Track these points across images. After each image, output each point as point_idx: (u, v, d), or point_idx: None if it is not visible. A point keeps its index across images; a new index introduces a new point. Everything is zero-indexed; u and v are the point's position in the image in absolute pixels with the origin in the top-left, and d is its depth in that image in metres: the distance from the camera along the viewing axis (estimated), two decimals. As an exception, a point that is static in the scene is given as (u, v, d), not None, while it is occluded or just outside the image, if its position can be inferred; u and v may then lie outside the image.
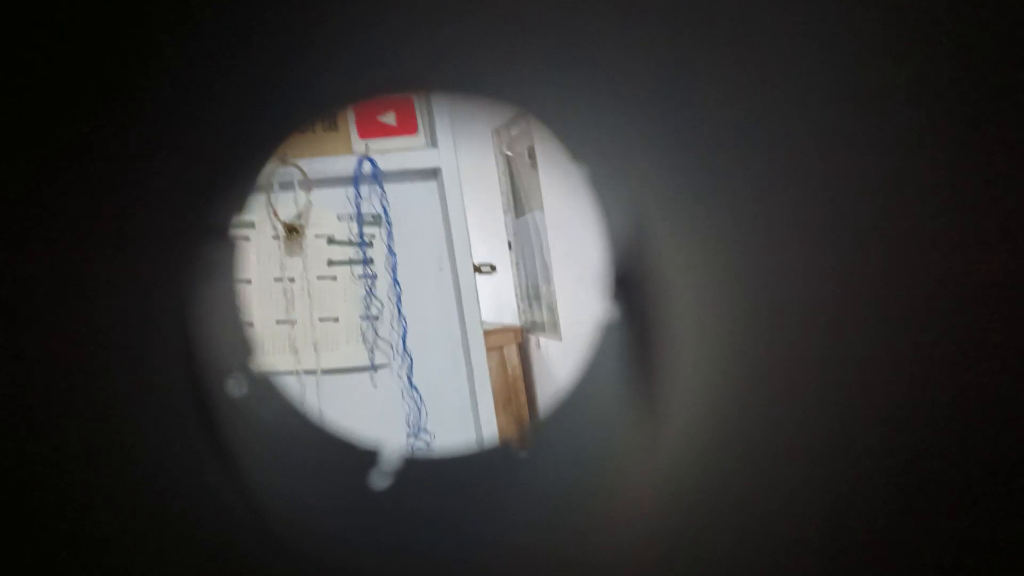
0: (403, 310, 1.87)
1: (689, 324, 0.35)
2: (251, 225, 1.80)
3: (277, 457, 0.44)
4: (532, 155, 3.31)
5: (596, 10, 0.27)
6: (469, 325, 1.92)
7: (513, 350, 3.53)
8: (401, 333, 1.86)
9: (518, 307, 3.73)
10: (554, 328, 3.39)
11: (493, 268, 3.72)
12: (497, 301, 3.95)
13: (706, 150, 0.29)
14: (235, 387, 0.41)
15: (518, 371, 3.50)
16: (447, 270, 1.95)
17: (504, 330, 3.59)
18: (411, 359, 1.87)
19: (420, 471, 0.45)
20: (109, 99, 0.25)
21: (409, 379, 1.87)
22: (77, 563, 0.28)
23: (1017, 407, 0.19)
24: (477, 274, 3.04)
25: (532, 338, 3.60)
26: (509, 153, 3.66)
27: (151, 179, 0.29)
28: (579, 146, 0.40)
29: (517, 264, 3.72)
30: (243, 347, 0.46)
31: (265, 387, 0.46)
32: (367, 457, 0.45)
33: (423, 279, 1.92)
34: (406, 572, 0.38)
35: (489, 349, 3.43)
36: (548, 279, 3.44)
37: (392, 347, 1.87)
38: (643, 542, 0.34)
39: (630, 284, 0.42)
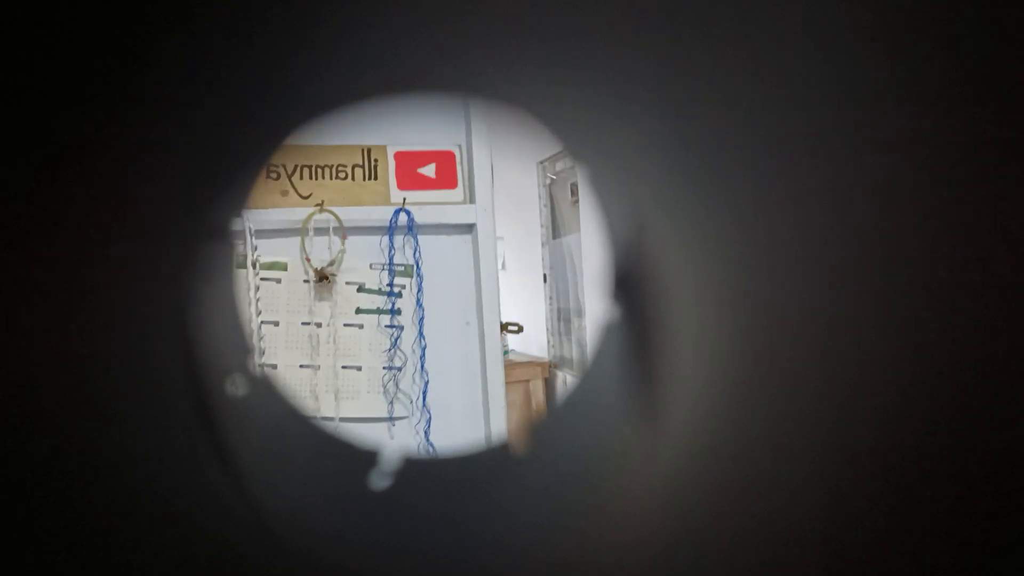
0: (426, 364, 1.87)
1: (689, 324, 0.35)
2: (283, 267, 1.82)
3: (277, 457, 0.44)
4: (575, 192, 3.29)
5: (596, 10, 0.27)
6: (491, 385, 1.91)
7: (539, 384, 3.52)
8: (422, 387, 1.86)
9: (548, 341, 3.71)
10: (583, 367, 3.37)
11: (520, 328, 3.71)
12: (527, 331, 3.95)
13: (706, 150, 0.29)
14: (235, 387, 0.41)
15: (543, 407, 3.49)
16: (474, 326, 1.94)
17: (532, 363, 3.58)
18: (430, 414, 1.86)
19: (420, 471, 0.45)
20: (109, 99, 0.25)
21: (426, 434, 1.86)
22: (77, 563, 0.28)
23: (1017, 406, 0.19)
24: (504, 332, 3.02)
25: (560, 374, 3.58)
26: (552, 177, 3.64)
27: (151, 179, 0.29)
28: (579, 146, 0.40)
29: (550, 296, 3.70)
30: (243, 347, 0.46)
31: (265, 387, 0.46)
32: (367, 457, 0.45)
33: (449, 334, 1.91)
34: (406, 572, 0.38)
35: (515, 381, 3.43)
36: (580, 313, 3.41)
37: (412, 401, 1.86)
38: (643, 542, 0.34)
39: (630, 284, 0.41)
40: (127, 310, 0.30)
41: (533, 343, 3.81)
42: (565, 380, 3.46)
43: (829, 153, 0.23)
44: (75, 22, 0.23)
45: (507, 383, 3.58)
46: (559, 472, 0.44)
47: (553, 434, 0.47)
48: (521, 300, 4.06)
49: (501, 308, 4.61)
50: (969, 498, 0.20)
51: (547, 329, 3.67)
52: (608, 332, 0.46)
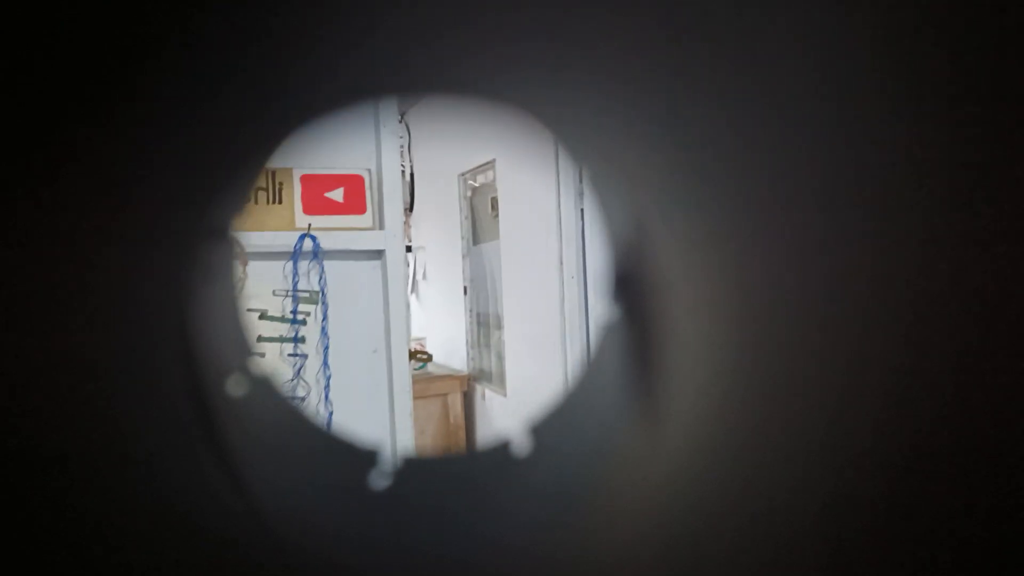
0: (331, 394, 1.82)
1: (689, 324, 0.35)
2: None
3: (277, 457, 0.44)
4: (495, 206, 3.27)
5: (596, 11, 0.27)
6: (398, 416, 1.88)
7: (458, 398, 3.49)
8: (326, 419, 1.81)
9: (467, 352, 3.69)
10: (500, 381, 3.35)
11: (430, 357, 3.67)
12: (448, 344, 3.91)
13: (705, 151, 0.29)
14: (235, 387, 0.41)
15: (460, 420, 3.47)
16: (381, 353, 1.90)
17: (449, 377, 3.55)
18: (333, 446, 1.82)
19: (420, 471, 0.45)
20: (108, 99, 0.25)
21: (329, 466, 1.82)
22: (77, 562, 0.28)
23: (1017, 406, 0.19)
24: (412, 360, 2.96)
25: (478, 388, 3.56)
26: (473, 186, 3.61)
27: (151, 179, 0.29)
28: (579, 146, 0.40)
29: (470, 308, 3.67)
30: (243, 347, 0.46)
31: (265, 387, 0.46)
32: (366, 457, 0.45)
33: (355, 363, 1.87)
34: (406, 572, 0.38)
35: (432, 395, 3.40)
36: (500, 324, 3.39)
37: (315, 432, 1.81)
38: (643, 541, 0.34)
39: (630, 284, 0.41)
40: (127, 310, 0.29)
41: (454, 356, 3.78)
42: (484, 394, 3.44)
43: (828, 153, 0.23)
44: (75, 21, 0.23)
45: (424, 397, 3.55)
46: (559, 472, 0.44)
47: (553, 434, 0.46)
48: (441, 311, 4.02)
49: (421, 319, 4.55)
50: (969, 498, 0.20)
51: (466, 341, 3.64)
52: (608, 332, 0.46)
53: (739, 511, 0.29)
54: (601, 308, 0.45)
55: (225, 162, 0.33)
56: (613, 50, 0.28)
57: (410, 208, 4.17)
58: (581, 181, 2.58)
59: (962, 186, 0.20)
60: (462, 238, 3.71)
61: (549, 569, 0.37)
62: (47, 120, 0.24)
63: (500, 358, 3.35)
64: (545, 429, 0.46)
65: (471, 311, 3.68)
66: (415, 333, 4.58)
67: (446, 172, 3.74)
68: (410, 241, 4.40)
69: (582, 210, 2.62)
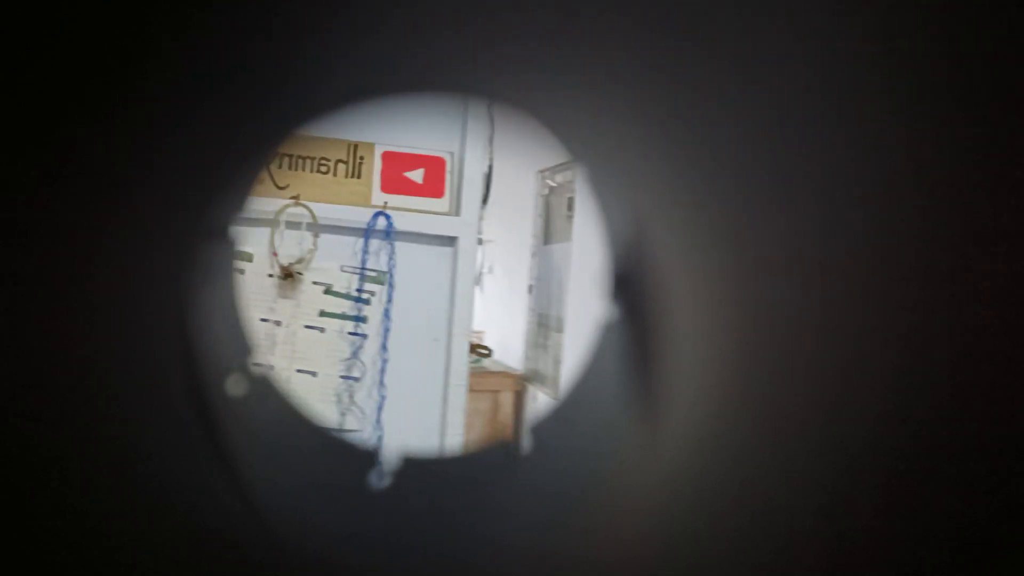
0: (386, 379, 1.78)
1: (688, 323, 0.35)
2: (249, 258, 1.71)
3: (277, 456, 0.44)
4: (571, 206, 3.20)
5: (597, 13, 0.27)
6: (451, 410, 1.81)
7: (509, 397, 3.43)
8: (378, 402, 1.77)
9: (525, 352, 3.63)
10: (554, 385, 3.28)
11: (489, 352, 3.61)
12: (506, 341, 3.86)
13: (705, 151, 0.29)
14: (235, 387, 0.41)
15: (509, 420, 3.40)
16: (442, 343, 1.85)
17: (504, 374, 3.49)
18: (382, 431, 1.77)
19: (420, 471, 0.45)
20: (109, 100, 0.25)
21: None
22: (78, 562, 0.28)
23: (1016, 406, 0.19)
24: (471, 354, 2.91)
25: (531, 389, 3.49)
26: (551, 185, 3.55)
27: (151, 179, 0.29)
28: (579, 146, 0.40)
29: (533, 308, 3.61)
30: (243, 347, 0.46)
31: (265, 387, 0.47)
32: (366, 457, 0.45)
33: (414, 350, 1.81)
34: (405, 571, 0.38)
35: (484, 391, 3.34)
36: (560, 327, 3.33)
37: (365, 415, 1.77)
38: (643, 540, 0.34)
39: (630, 284, 0.42)
40: (127, 310, 0.30)
41: (511, 353, 3.72)
42: (536, 396, 3.38)
43: (828, 154, 0.23)
44: (75, 23, 0.23)
45: (476, 391, 3.50)
46: (559, 471, 0.44)
47: (553, 433, 0.46)
48: (503, 307, 3.97)
49: (483, 313, 4.53)
50: (969, 498, 0.20)
51: (525, 341, 3.58)
52: (608, 332, 0.46)
53: (739, 510, 0.29)
54: (601, 308, 0.45)
55: (225, 163, 0.33)
56: (613, 51, 0.28)
57: (484, 200, 4.14)
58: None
59: (962, 186, 0.20)
60: (533, 236, 3.65)
61: (549, 568, 0.37)
62: (47, 121, 0.24)
63: (556, 362, 3.29)
64: (545, 429, 0.46)
65: (533, 311, 3.62)
66: (475, 326, 4.56)
67: (524, 167, 3.67)
68: (481, 234, 4.37)
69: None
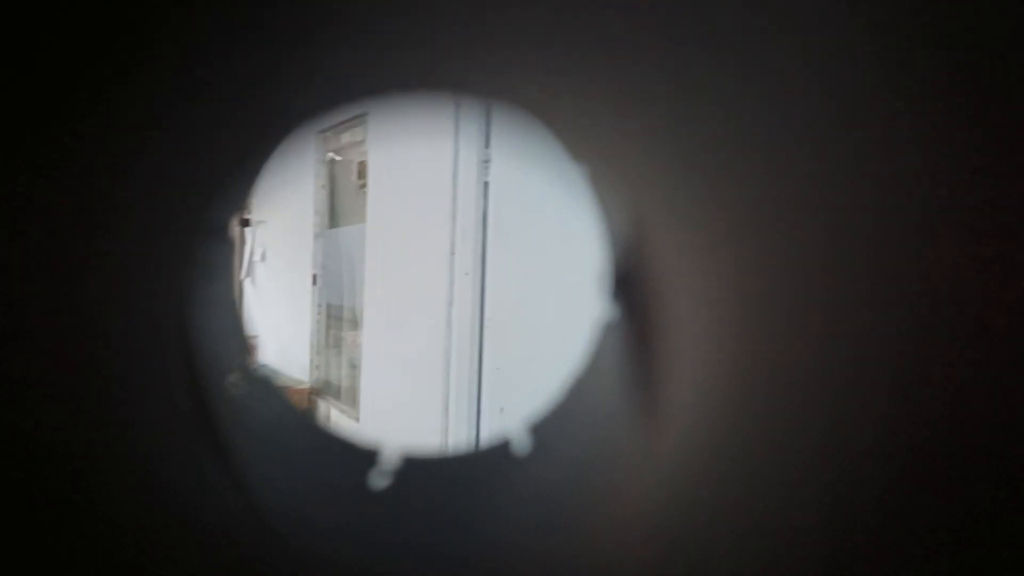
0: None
1: (688, 323, 0.35)
2: None
3: (277, 456, 0.44)
4: (362, 173, 2.54)
5: (598, 13, 0.27)
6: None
7: (294, 418, 2.73)
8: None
9: (311, 359, 2.93)
10: (352, 399, 2.62)
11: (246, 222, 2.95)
12: (287, 345, 3.12)
13: (706, 151, 0.29)
14: (235, 387, 0.41)
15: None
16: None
17: (286, 391, 2.77)
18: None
19: (420, 471, 0.45)
20: (110, 100, 0.25)
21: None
22: (78, 561, 0.28)
23: (1016, 406, 0.19)
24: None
25: (323, 404, 2.81)
26: (335, 158, 2.86)
27: (151, 179, 0.29)
28: (579, 146, 0.40)
29: (319, 303, 2.92)
30: (242, 347, 0.46)
31: (265, 387, 0.47)
32: (367, 457, 0.45)
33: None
34: (405, 570, 0.38)
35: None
36: (356, 321, 2.65)
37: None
38: (642, 539, 0.34)
39: (630, 284, 0.42)
40: (127, 310, 0.30)
41: (294, 362, 3.00)
42: (329, 414, 2.70)
43: (828, 155, 0.24)
44: (76, 22, 0.23)
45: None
46: (558, 471, 0.43)
47: (552, 433, 0.46)
48: (283, 304, 3.22)
49: (258, 313, 3.61)
50: (969, 497, 0.20)
51: (311, 345, 2.88)
52: (608, 332, 0.46)
53: (738, 510, 0.29)
54: (600, 307, 0.45)
55: (224, 162, 0.33)
56: (614, 51, 0.28)
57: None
58: (488, 145, 1.92)
59: (961, 188, 0.20)
60: (316, 213, 2.95)
61: (549, 568, 0.37)
62: (47, 121, 0.24)
63: (353, 366, 2.62)
64: (545, 428, 0.46)
65: (319, 307, 2.93)
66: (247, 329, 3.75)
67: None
68: (248, 213, 3.57)
69: (486, 184, 1.95)
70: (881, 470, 0.23)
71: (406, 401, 2.11)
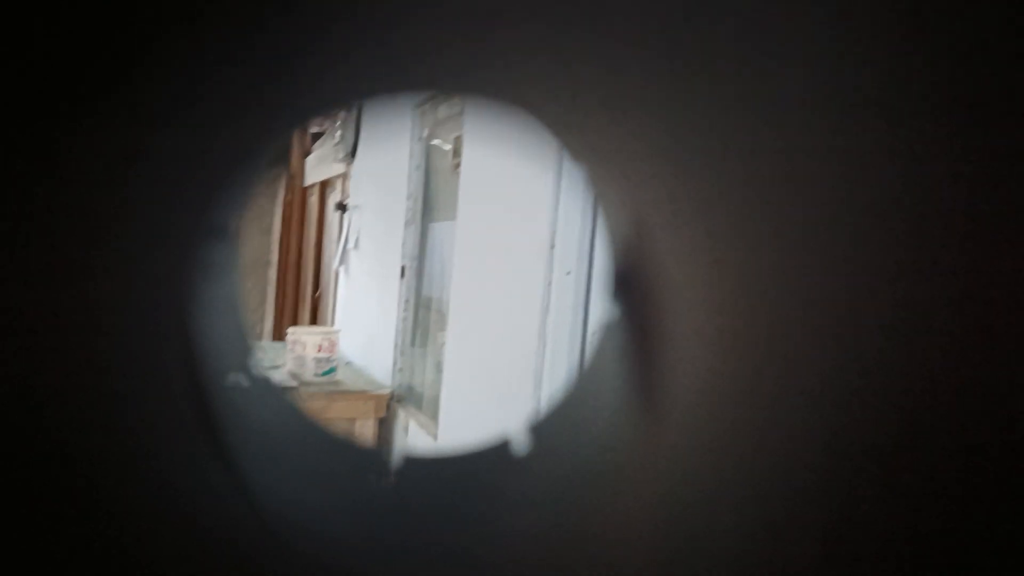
0: None
1: (689, 323, 0.35)
2: None
3: (277, 456, 0.44)
4: (457, 151, 2.22)
5: (597, 12, 0.27)
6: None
7: (369, 426, 2.44)
8: None
9: (394, 361, 2.63)
10: (432, 411, 2.30)
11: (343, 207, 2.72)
12: (370, 342, 2.84)
13: (706, 151, 0.29)
14: (234, 387, 0.41)
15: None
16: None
17: (363, 395, 2.48)
18: None
19: (420, 470, 0.45)
20: (110, 99, 0.25)
21: None
22: (78, 561, 0.28)
23: (1016, 406, 0.19)
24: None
25: (402, 414, 2.50)
26: (432, 142, 2.55)
27: (152, 179, 0.29)
28: (579, 146, 0.41)
29: (406, 298, 2.61)
30: (243, 347, 0.46)
31: (265, 387, 0.47)
32: (367, 457, 0.45)
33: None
34: (406, 570, 0.38)
35: (336, 418, 2.34)
36: (442, 323, 2.32)
37: None
38: (643, 539, 0.34)
39: (630, 284, 0.42)
40: (128, 310, 0.30)
41: (377, 362, 2.72)
42: (407, 427, 2.38)
43: (828, 155, 0.23)
44: (76, 21, 0.23)
45: (325, 419, 2.38)
46: (559, 471, 0.43)
47: (553, 433, 0.46)
48: (371, 296, 2.95)
49: (344, 305, 3.32)
50: (969, 497, 0.20)
51: (395, 345, 2.58)
52: (608, 332, 0.46)
53: (739, 510, 0.29)
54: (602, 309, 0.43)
55: (225, 162, 0.33)
56: (615, 51, 0.28)
57: (352, 151, 3.08)
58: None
59: (963, 189, 0.20)
60: (409, 197, 2.65)
61: (549, 567, 0.37)
62: (49, 120, 0.24)
63: (439, 369, 2.30)
64: (545, 428, 0.46)
65: (407, 302, 2.63)
66: (329, 323, 3.50)
67: (401, 108, 2.65)
68: (347, 197, 3.33)
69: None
70: (884, 469, 0.22)
71: (491, 421, 1.75)
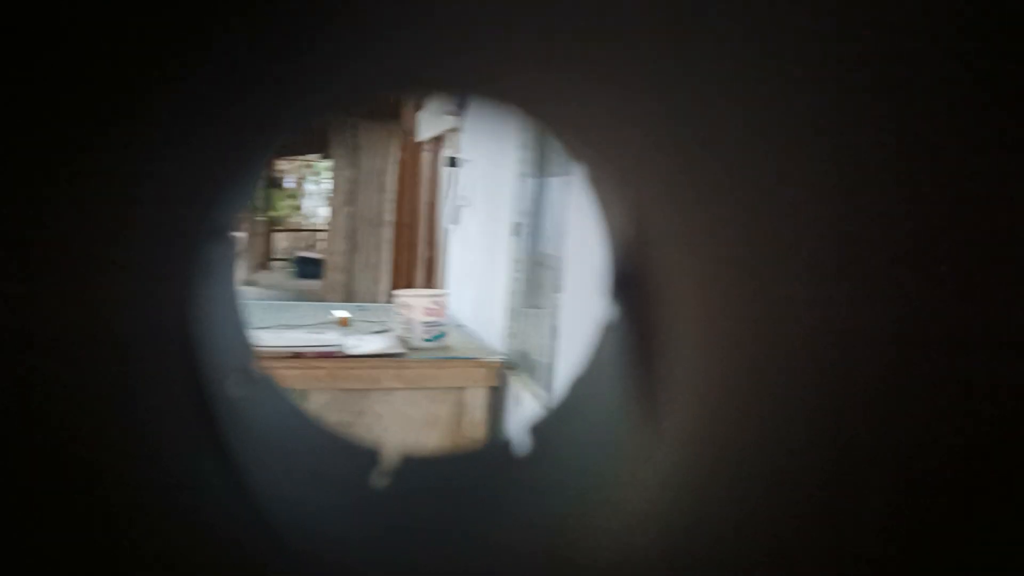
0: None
1: (689, 323, 0.35)
2: None
3: (277, 457, 0.44)
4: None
5: (597, 11, 0.27)
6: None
7: (480, 395, 2.28)
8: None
9: (508, 328, 2.45)
10: (546, 380, 2.11)
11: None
12: (482, 305, 2.67)
13: (706, 151, 0.29)
14: (235, 387, 0.42)
15: (479, 428, 2.26)
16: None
17: (472, 363, 2.32)
18: None
19: (420, 471, 0.45)
20: (111, 100, 0.26)
21: None
22: (79, 561, 0.28)
23: (1016, 406, 0.19)
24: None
25: (514, 382, 2.33)
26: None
27: (152, 179, 0.29)
28: (579, 146, 0.41)
29: (519, 256, 2.42)
30: (243, 347, 0.46)
31: (266, 387, 0.47)
32: (367, 457, 0.45)
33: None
34: (405, 570, 0.38)
35: (444, 387, 2.20)
36: (558, 284, 2.12)
37: None
38: (643, 539, 0.34)
39: (630, 284, 0.42)
40: (129, 310, 0.30)
41: (490, 328, 2.55)
42: (518, 397, 2.21)
43: (829, 154, 0.23)
44: (79, 24, 0.23)
45: (432, 389, 2.31)
46: (559, 471, 0.43)
47: (553, 433, 0.46)
48: (482, 256, 2.78)
49: (456, 265, 3.16)
50: (969, 497, 0.20)
51: (509, 309, 2.40)
52: (608, 332, 0.46)
53: (740, 510, 0.29)
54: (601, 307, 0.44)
55: (226, 163, 0.33)
56: (615, 51, 0.28)
57: (464, 105, 2.90)
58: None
59: (964, 188, 0.20)
60: (522, 147, 2.45)
61: (549, 567, 0.37)
62: (49, 121, 0.24)
63: (553, 334, 2.11)
64: (545, 428, 0.46)
65: (519, 263, 2.44)
66: (440, 285, 3.36)
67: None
68: (458, 151, 3.16)
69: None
70: (883, 473, 0.22)
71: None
